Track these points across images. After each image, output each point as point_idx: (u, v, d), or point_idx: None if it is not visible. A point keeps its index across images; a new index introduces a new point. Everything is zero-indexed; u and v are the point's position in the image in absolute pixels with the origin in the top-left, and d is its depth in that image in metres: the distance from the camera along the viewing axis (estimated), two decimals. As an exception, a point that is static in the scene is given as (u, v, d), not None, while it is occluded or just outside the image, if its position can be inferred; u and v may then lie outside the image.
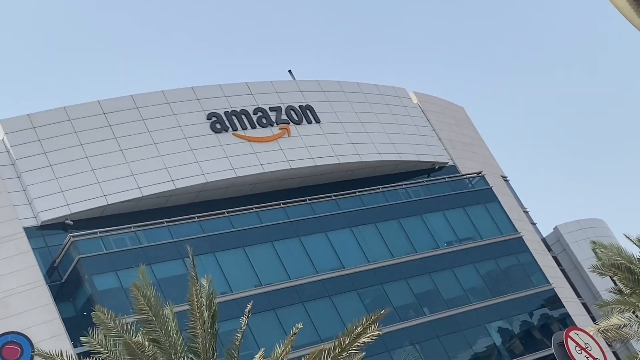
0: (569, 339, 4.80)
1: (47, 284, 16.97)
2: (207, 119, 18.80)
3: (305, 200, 19.47)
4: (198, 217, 18.20)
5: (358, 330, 7.77)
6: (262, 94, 19.80)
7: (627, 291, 14.14)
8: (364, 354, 8.69)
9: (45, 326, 16.16)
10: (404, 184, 21.44)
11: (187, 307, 8.32)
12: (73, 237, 16.98)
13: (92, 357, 8.60)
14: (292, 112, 20.03)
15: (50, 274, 17.57)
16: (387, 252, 19.64)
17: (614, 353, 22.12)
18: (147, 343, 7.81)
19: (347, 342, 7.76)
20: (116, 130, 17.64)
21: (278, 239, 19.18)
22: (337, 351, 7.72)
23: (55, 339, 15.26)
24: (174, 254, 18.07)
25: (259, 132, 19.21)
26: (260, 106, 19.57)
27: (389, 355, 18.83)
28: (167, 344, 8.00)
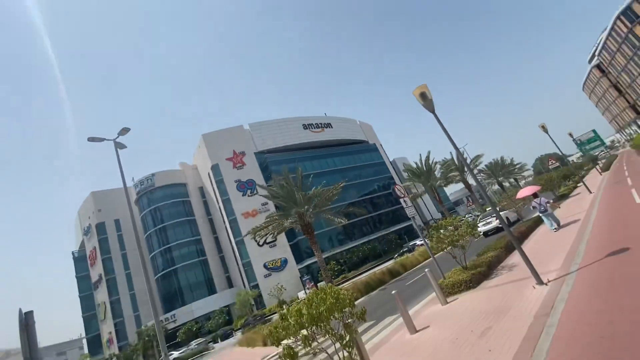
0: (395, 188, 13.00)
1: (260, 168, 64.01)
2: (302, 126, 66.80)
3: (323, 151, 69.64)
4: (298, 152, 67.05)
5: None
6: (318, 120, 68.29)
7: (412, 177, 68.44)
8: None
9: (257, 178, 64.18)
10: (354, 145, 73.14)
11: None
12: (266, 156, 64.37)
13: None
14: (324, 124, 68.97)
15: (260, 162, 64.36)
16: (346, 163, 71.20)
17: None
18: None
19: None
20: (277, 128, 65.04)
21: (321, 158, 69.05)
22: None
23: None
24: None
25: (316, 130, 67.95)
26: (316, 123, 68.08)
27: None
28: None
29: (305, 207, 26.55)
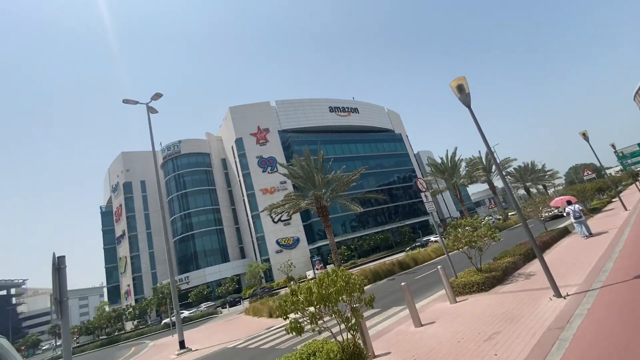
0: (418, 181, 13.35)
1: (282, 147, 64.52)
2: (328, 108, 66.00)
3: (347, 136, 68.82)
4: (322, 134, 66.65)
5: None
6: (345, 104, 67.12)
7: (435, 172, 66.74)
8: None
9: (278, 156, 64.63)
10: (379, 133, 71.80)
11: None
12: (289, 135, 64.53)
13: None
14: (351, 109, 67.77)
15: (283, 140, 64.75)
16: (368, 150, 70.30)
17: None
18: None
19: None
20: (303, 108, 64.61)
21: (344, 143, 68.55)
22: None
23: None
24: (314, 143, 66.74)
25: (342, 114, 67.03)
26: (343, 106, 67.00)
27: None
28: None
29: (323, 190, 26.62)
